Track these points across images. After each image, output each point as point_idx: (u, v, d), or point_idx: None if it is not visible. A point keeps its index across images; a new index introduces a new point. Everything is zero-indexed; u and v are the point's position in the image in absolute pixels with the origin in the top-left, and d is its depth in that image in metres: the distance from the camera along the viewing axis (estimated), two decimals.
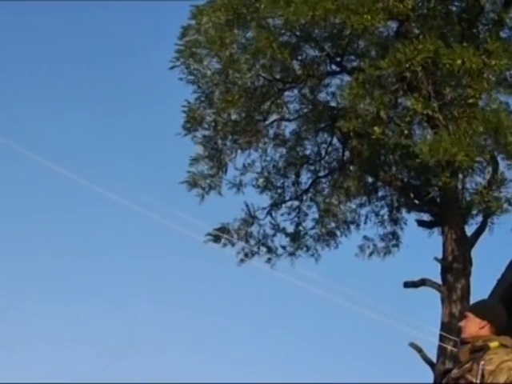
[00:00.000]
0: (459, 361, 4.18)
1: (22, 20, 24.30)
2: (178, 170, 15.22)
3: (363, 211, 15.16)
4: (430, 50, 10.71)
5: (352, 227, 15.21)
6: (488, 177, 12.84)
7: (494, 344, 4.03)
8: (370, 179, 14.75)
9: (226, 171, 14.65)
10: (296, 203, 15.20)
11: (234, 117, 14.17)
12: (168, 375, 18.68)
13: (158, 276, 23.08)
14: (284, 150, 15.01)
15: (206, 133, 14.31)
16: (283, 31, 12.85)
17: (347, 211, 15.24)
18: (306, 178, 15.16)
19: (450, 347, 12.01)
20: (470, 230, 13.45)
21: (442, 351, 12.34)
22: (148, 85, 23.60)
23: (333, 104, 14.30)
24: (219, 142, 14.46)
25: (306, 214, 15.23)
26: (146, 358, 21.54)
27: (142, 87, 24.74)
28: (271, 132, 14.80)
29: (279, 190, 15.11)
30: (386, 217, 15.12)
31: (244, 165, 14.73)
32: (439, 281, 13.12)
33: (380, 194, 15.08)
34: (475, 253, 13.24)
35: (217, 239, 14.61)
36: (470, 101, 11.02)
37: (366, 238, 15.14)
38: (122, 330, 22.19)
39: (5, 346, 19.54)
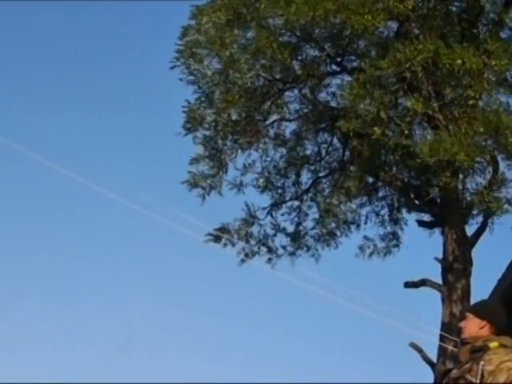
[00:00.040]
0: (459, 361, 4.18)
1: (21, 20, 24.33)
2: (179, 170, 15.26)
3: (363, 211, 15.19)
4: (430, 50, 10.70)
5: (352, 227, 15.23)
6: (488, 177, 12.84)
7: (493, 344, 4.03)
8: (370, 179, 14.75)
9: (226, 171, 14.67)
10: (296, 203, 15.22)
11: (234, 117, 14.18)
12: (168, 375, 18.72)
13: (158, 276, 23.11)
14: (284, 150, 15.02)
15: (207, 133, 14.33)
16: (283, 31, 12.85)
17: (347, 211, 15.25)
18: (306, 178, 15.19)
19: (450, 347, 12.00)
20: (470, 230, 13.47)
21: (442, 351, 12.34)
22: (148, 85, 23.64)
23: (333, 104, 14.32)
24: (219, 142, 14.46)
25: (307, 214, 15.25)
26: (146, 357, 21.57)
27: (143, 87, 24.77)
28: (271, 132, 14.83)
29: (279, 190, 15.12)
30: (386, 217, 15.13)
31: (244, 165, 14.75)
32: (439, 281, 13.12)
33: (380, 194, 15.09)
34: (475, 253, 13.26)
35: (217, 239, 14.61)
36: (471, 102, 11.02)
37: (366, 238, 15.16)
38: (122, 330, 22.19)
39: (5, 346, 19.56)
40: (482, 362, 3.94)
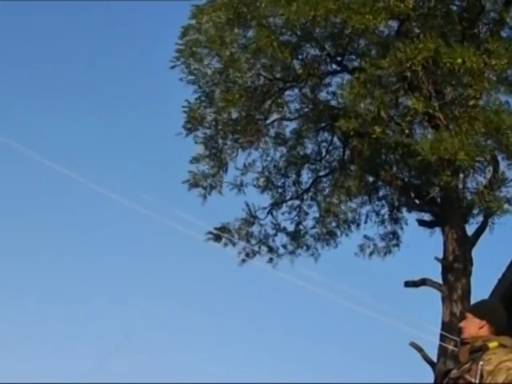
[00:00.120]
0: (459, 361, 4.18)
1: (22, 20, 24.33)
2: (179, 170, 15.24)
3: (364, 210, 15.19)
4: (430, 49, 10.69)
5: (352, 227, 15.23)
6: (489, 176, 12.84)
7: (493, 344, 4.03)
8: (370, 178, 14.75)
9: (226, 170, 14.67)
10: (297, 202, 15.22)
11: (234, 116, 14.18)
12: (168, 375, 18.69)
13: (158, 276, 23.11)
14: (285, 150, 15.03)
15: (207, 132, 14.33)
16: (284, 30, 12.84)
17: (348, 210, 15.25)
18: (306, 177, 15.20)
19: (450, 347, 12.00)
20: (470, 230, 13.47)
21: (442, 351, 12.34)
22: (148, 84, 23.64)
23: (333, 103, 14.30)
24: (220, 141, 14.47)
25: (307, 214, 15.26)
26: (146, 357, 21.55)
27: (143, 86, 24.75)
28: (272, 131, 14.83)
29: (280, 190, 15.12)
30: (386, 216, 15.13)
31: (245, 164, 14.75)
32: (440, 280, 13.12)
33: (380, 193, 15.09)
34: (476, 252, 13.27)
35: (217, 238, 14.61)
36: (471, 101, 11.02)
37: (366, 237, 15.16)
38: (122, 330, 22.17)
39: (5, 346, 19.57)
40: (481, 362, 3.94)
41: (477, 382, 3.91)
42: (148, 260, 23.18)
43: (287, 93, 14.33)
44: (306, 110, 14.52)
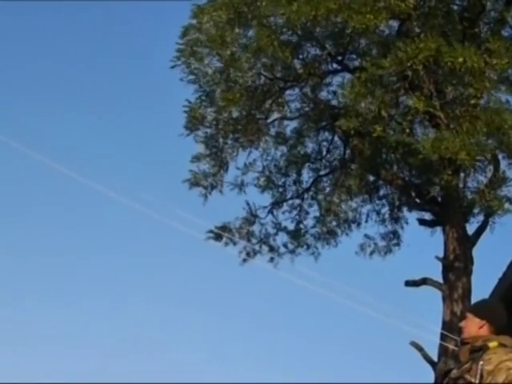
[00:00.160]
0: (459, 361, 4.18)
1: (22, 20, 24.32)
2: (179, 169, 15.25)
3: (364, 210, 15.21)
4: (431, 48, 10.68)
5: (353, 226, 15.24)
6: (489, 175, 12.85)
7: (493, 344, 4.03)
8: (371, 178, 14.75)
9: (227, 170, 14.68)
10: (297, 202, 15.22)
11: (235, 115, 14.18)
12: (169, 374, 18.70)
13: (159, 275, 23.14)
14: (285, 149, 15.03)
15: (208, 131, 14.33)
16: (284, 30, 12.84)
17: (348, 210, 15.27)
18: (307, 176, 15.21)
19: (451, 346, 12.00)
20: (471, 229, 13.47)
21: (443, 350, 12.34)
22: (149, 83, 23.64)
23: (334, 103, 14.31)
24: (220, 140, 14.47)
25: (307, 213, 15.27)
26: (146, 357, 21.57)
27: (143, 86, 24.74)
28: (272, 131, 14.85)
29: (280, 189, 15.13)
30: (387, 215, 15.14)
31: (245, 164, 14.77)
32: (440, 280, 13.12)
33: (381, 192, 15.09)
34: (476, 252, 13.27)
35: (218, 237, 14.61)
36: (472, 101, 11.01)
37: (366, 236, 15.17)
38: (122, 329, 22.21)
39: (5, 345, 19.58)
40: (481, 362, 3.94)
41: (477, 381, 3.90)
42: (149, 259, 23.21)
43: (288, 92, 14.34)
44: (306, 109, 14.53)
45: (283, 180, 15.14)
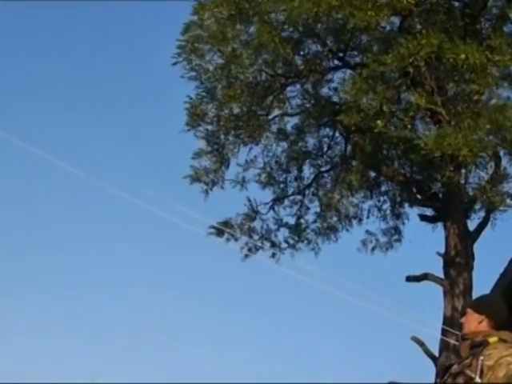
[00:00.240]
0: (460, 356, 4.18)
1: (21, 20, 24.29)
2: (181, 165, 15.26)
3: (365, 206, 15.23)
4: (433, 44, 10.67)
5: (354, 222, 15.26)
6: (490, 172, 12.86)
7: (493, 339, 4.03)
8: (372, 174, 14.77)
9: (228, 166, 14.68)
10: (298, 197, 15.23)
11: (236, 112, 14.18)
12: (169, 370, 18.76)
13: (160, 271, 23.17)
14: (286, 145, 15.04)
15: (209, 127, 14.33)
16: (285, 26, 12.84)
17: (349, 206, 15.28)
18: (308, 172, 15.22)
19: (452, 341, 12.03)
20: (472, 225, 13.51)
21: (444, 345, 12.38)
22: (151, 80, 23.66)
23: (335, 99, 14.31)
24: (222, 136, 14.47)
25: (308, 208, 15.28)
26: (147, 352, 21.60)
27: (145, 82, 24.80)
28: (274, 127, 14.84)
29: (282, 185, 15.14)
30: (388, 211, 15.16)
31: (246, 161, 14.78)
32: (441, 275, 13.16)
33: (382, 188, 15.12)
34: (477, 247, 13.31)
35: (220, 233, 14.63)
36: (475, 97, 11.01)
37: (368, 232, 15.20)
38: (123, 324, 22.25)
39: (7, 335, 19.64)
40: (481, 357, 3.94)
41: (477, 377, 3.91)
42: (150, 255, 23.25)
43: (289, 88, 14.35)
44: (307, 105, 14.54)
45: (284, 176, 15.16)
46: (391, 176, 14.17)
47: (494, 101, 11.29)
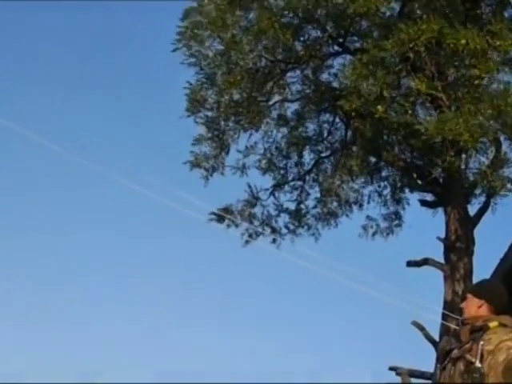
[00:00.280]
0: (460, 341, 4.21)
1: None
2: (180, 152, 15.26)
3: (366, 191, 15.25)
4: (434, 30, 10.64)
5: (354, 207, 15.29)
6: (491, 157, 12.86)
7: (493, 324, 4.05)
8: (372, 159, 14.76)
9: (228, 152, 14.68)
10: (299, 183, 15.25)
11: (236, 98, 14.16)
12: (169, 359, 18.85)
13: (161, 257, 23.23)
14: (286, 131, 15.02)
15: (209, 114, 14.32)
16: (285, 12, 12.80)
17: (350, 191, 15.30)
18: (308, 158, 15.22)
19: (452, 326, 12.07)
20: (472, 210, 13.53)
21: (444, 330, 12.43)
22: (151, 66, 23.58)
23: (335, 85, 14.28)
24: (222, 122, 14.46)
25: (308, 194, 15.29)
26: (147, 337, 21.68)
27: (145, 68, 24.72)
28: (274, 113, 14.83)
29: (282, 171, 15.15)
30: (388, 197, 15.17)
31: (246, 147, 14.78)
32: (442, 260, 13.20)
33: (383, 173, 15.12)
34: (478, 232, 13.34)
35: (220, 219, 14.65)
36: (476, 82, 10.99)
37: (368, 217, 15.22)
38: (123, 311, 22.34)
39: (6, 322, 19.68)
40: (481, 342, 3.96)
41: (477, 361, 3.92)
42: (150, 241, 23.28)
43: (289, 74, 14.33)
44: (307, 91, 14.51)
45: (284, 162, 15.16)
46: (392, 161, 14.17)
47: (494, 86, 11.30)
